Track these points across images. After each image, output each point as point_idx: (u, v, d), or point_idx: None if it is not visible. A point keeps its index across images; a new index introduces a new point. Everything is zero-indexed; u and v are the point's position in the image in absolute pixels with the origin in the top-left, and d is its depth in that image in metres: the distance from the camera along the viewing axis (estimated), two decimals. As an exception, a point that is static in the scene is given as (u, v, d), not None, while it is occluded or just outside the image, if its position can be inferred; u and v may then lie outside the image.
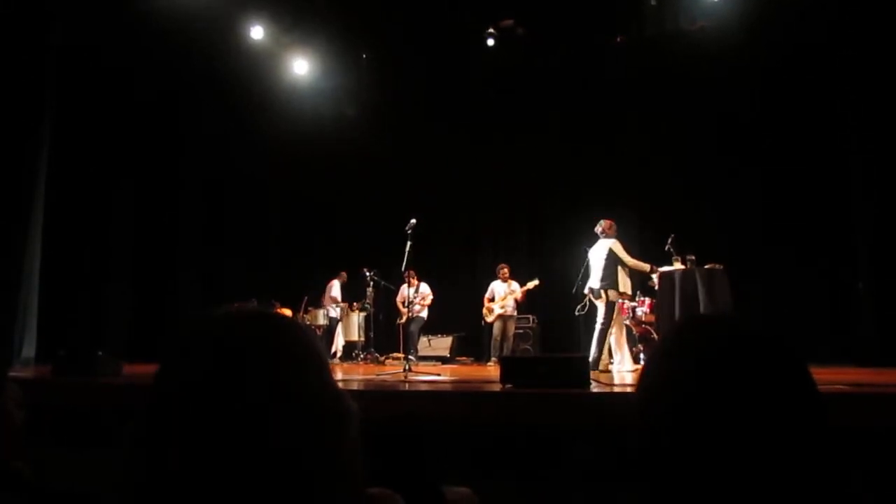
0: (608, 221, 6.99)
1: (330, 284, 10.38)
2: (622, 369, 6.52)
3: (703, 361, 0.75)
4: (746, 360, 0.74)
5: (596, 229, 7.05)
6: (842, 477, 0.71)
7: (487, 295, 9.37)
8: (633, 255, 6.94)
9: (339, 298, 10.23)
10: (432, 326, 9.92)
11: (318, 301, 10.23)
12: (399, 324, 9.59)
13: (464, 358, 9.93)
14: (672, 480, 0.73)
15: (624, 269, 6.83)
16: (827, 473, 0.70)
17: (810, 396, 0.73)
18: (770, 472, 0.69)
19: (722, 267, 6.71)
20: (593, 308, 7.09)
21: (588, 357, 5.92)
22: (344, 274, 10.39)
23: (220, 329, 0.77)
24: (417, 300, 9.27)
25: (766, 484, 0.69)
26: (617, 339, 6.83)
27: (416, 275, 9.40)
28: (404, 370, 5.90)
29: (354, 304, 10.05)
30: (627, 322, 7.70)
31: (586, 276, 7.08)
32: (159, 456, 0.68)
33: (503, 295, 9.19)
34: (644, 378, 0.83)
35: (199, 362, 0.73)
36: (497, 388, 4.09)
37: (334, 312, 10.12)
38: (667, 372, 0.79)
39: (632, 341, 7.51)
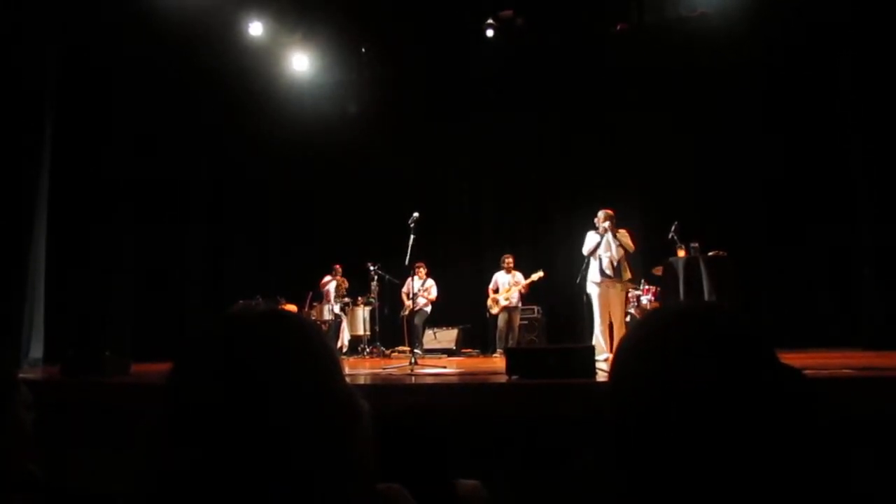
0: (602, 211, 6.79)
1: (325, 284, 10.25)
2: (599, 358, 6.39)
3: (669, 355, 0.75)
4: (712, 352, 0.73)
5: None
6: (836, 468, 0.70)
7: (491, 286, 9.35)
8: (634, 243, 6.85)
9: (332, 299, 10.12)
10: (437, 319, 9.93)
11: (321, 298, 10.19)
12: (403, 316, 9.59)
13: (470, 350, 9.94)
14: (645, 469, 0.73)
15: (594, 258, 6.68)
16: (810, 466, 0.69)
17: (780, 388, 0.73)
18: (742, 464, 0.68)
19: (726, 254, 6.69)
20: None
21: (593, 347, 5.87)
22: (338, 268, 10.28)
23: (233, 328, 0.77)
24: (421, 292, 9.28)
25: (741, 476, 0.68)
26: (618, 329, 6.64)
27: (425, 268, 9.42)
28: (410, 363, 5.91)
29: (359, 298, 10.05)
30: (632, 311, 7.68)
31: None
32: (173, 455, 0.69)
33: (507, 286, 9.17)
34: (614, 370, 0.83)
35: (213, 362, 0.73)
36: (503, 379, 4.09)
37: (337, 310, 10.08)
38: (636, 364, 0.79)
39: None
